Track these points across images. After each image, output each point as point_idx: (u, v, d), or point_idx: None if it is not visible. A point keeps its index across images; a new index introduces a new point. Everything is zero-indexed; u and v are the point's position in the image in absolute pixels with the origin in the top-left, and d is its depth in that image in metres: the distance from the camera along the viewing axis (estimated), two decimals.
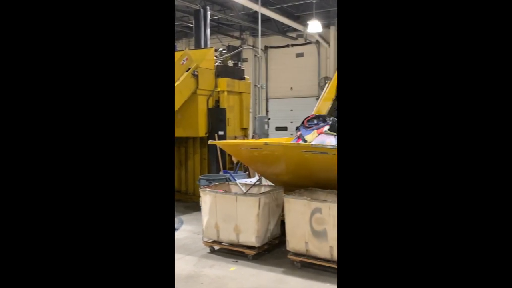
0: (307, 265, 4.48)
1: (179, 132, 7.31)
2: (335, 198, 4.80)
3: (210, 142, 6.02)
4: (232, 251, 4.93)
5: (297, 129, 5.82)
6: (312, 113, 6.13)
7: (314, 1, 13.49)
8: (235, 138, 8.28)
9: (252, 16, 14.27)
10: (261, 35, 12.25)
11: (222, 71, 8.44)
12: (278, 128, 16.59)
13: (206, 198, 5.00)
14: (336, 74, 7.03)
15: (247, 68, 12.99)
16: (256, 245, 4.72)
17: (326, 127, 5.48)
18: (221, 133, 7.88)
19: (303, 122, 5.79)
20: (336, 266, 4.24)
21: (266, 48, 17.52)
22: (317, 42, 16.29)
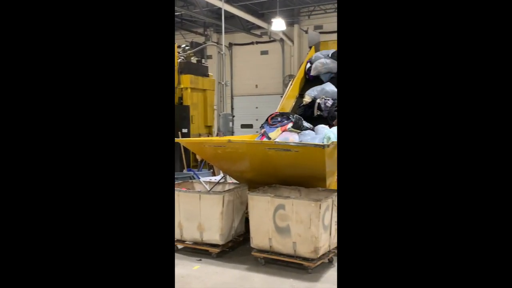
0: (270, 261, 4.51)
1: None
2: (298, 195, 4.87)
3: None
4: (195, 250, 4.90)
5: (262, 126, 5.86)
6: (276, 111, 6.18)
7: None
8: (199, 135, 8.24)
9: (216, 12, 14.18)
10: (225, 32, 12.21)
11: (185, 68, 8.37)
12: (243, 126, 16.58)
13: None
14: (299, 71, 7.13)
15: (211, 65, 12.91)
16: (220, 243, 4.71)
17: (290, 125, 5.55)
18: (184, 130, 7.83)
19: (267, 120, 5.83)
20: (299, 262, 4.32)
21: (230, 45, 17.48)
22: (281, 40, 16.42)
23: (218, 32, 16.13)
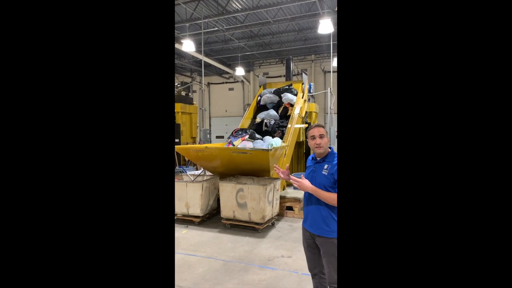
0: (234, 226, 4.50)
1: None
2: (252, 181, 4.89)
3: None
4: (184, 220, 4.79)
5: (229, 137, 5.85)
6: (238, 127, 6.19)
7: (239, 55, 13.70)
8: (187, 144, 8.07)
9: (199, 62, 14.02)
10: (204, 75, 12.10)
11: (177, 99, 8.19)
12: (217, 137, 16.44)
13: None
14: (253, 101, 7.19)
15: (195, 97, 12.74)
16: (200, 215, 4.65)
17: (247, 136, 5.58)
18: (177, 140, 7.64)
19: (232, 133, 5.82)
20: (252, 225, 4.33)
21: (208, 84, 17.31)
22: (242, 81, 16.50)
23: (200, 75, 15.97)
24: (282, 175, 2.05)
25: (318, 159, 1.95)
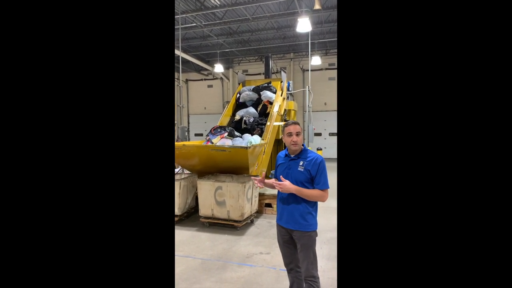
0: (213, 224, 4.48)
1: None
2: (231, 179, 4.88)
3: None
4: None
5: (207, 135, 5.78)
6: (217, 124, 6.14)
7: (218, 51, 13.56)
8: None
9: (177, 58, 13.72)
10: (182, 72, 11.86)
11: None
12: (196, 134, 16.23)
13: None
14: (232, 99, 7.15)
15: None
16: (178, 213, 4.58)
17: (226, 134, 5.54)
18: None
19: (211, 130, 5.77)
20: (231, 223, 4.33)
21: (186, 81, 17.00)
22: (221, 78, 16.36)
23: (178, 71, 15.63)
24: (260, 184, 1.99)
25: (292, 156, 1.98)
